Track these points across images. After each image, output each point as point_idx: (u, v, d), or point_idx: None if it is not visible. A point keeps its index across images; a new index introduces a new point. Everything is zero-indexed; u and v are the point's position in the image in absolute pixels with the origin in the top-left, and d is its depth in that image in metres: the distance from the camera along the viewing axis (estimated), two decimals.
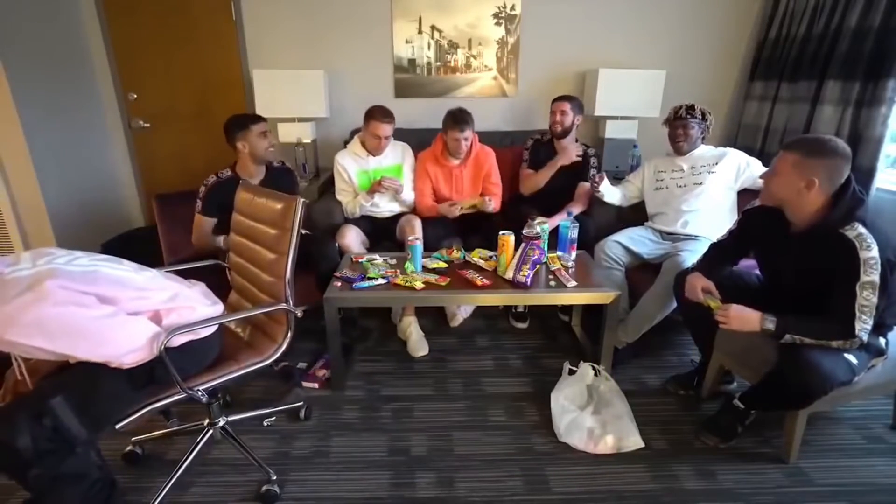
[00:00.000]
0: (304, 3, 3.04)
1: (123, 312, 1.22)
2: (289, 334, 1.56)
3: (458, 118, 2.45)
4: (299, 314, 1.55)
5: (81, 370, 1.22)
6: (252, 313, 1.54)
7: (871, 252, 1.37)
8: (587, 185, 2.52)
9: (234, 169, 2.20)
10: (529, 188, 2.65)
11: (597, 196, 2.46)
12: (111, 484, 1.31)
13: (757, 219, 1.66)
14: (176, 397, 1.34)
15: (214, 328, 1.43)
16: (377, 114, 2.40)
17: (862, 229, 1.40)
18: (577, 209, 2.49)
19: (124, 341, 1.20)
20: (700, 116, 2.18)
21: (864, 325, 1.40)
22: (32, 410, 1.11)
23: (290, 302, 1.53)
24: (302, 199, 1.50)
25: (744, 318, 1.54)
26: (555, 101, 2.59)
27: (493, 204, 2.51)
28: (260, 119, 2.16)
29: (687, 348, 2.29)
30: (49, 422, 1.11)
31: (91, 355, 1.17)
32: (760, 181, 1.57)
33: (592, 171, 2.55)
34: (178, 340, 1.31)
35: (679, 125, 2.21)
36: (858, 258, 1.38)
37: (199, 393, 1.37)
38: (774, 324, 1.49)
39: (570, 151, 2.56)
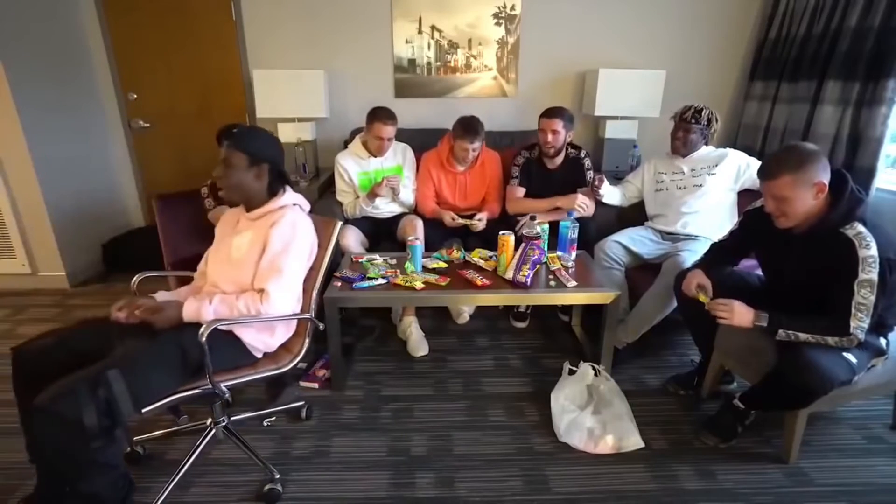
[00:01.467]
0: (304, 3, 3.04)
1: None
2: (305, 344, 1.61)
3: (468, 129, 2.41)
4: (321, 328, 1.64)
5: (147, 346, 1.30)
6: (279, 318, 1.50)
7: (870, 251, 1.37)
8: (586, 189, 2.50)
9: None
10: (515, 210, 2.55)
11: (598, 198, 2.45)
12: (130, 482, 1.34)
13: (758, 219, 1.66)
14: (198, 390, 1.37)
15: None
16: (381, 115, 2.40)
17: (861, 228, 1.40)
18: (579, 213, 2.44)
19: (282, 304, 1.46)
20: (705, 122, 2.17)
21: (859, 323, 1.40)
22: (90, 381, 1.14)
23: (313, 314, 1.62)
24: (339, 223, 1.68)
25: (740, 312, 1.55)
26: (543, 117, 2.41)
27: (482, 225, 2.47)
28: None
29: (687, 348, 2.29)
30: (103, 393, 1.14)
31: (268, 271, 1.46)
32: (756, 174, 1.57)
33: (590, 174, 2.52)
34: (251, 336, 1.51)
35: (681, 127, 2.21)
36: (857, 256, 1.38)
37: (222, 389, 1.41)
38: (767, 320, 1.51)
39: (572, 199, 2.40)
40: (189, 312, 1.40)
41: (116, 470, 1.26)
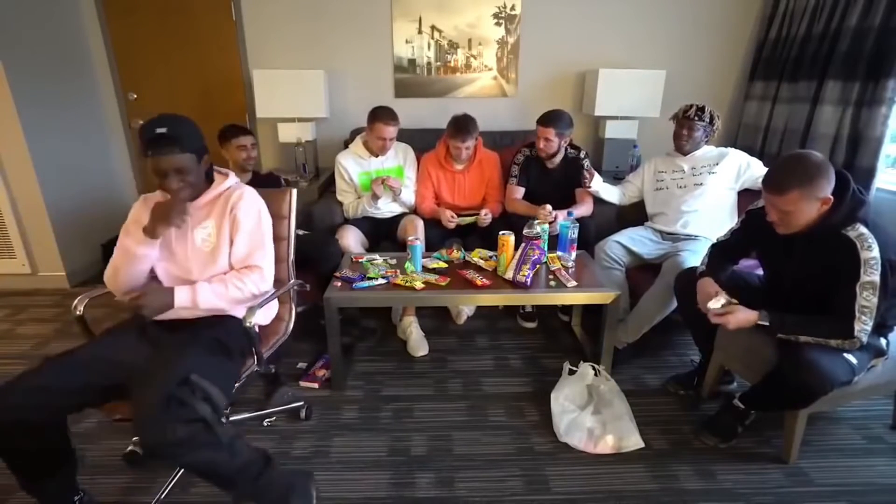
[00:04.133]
0: (304, 3, 3.04)
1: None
2: (293, 309, 1.74)
3: (459, 128, 2.42)
4: (308, 287, 1.75)
5: (190, 350, 1.31)
6: (278, 293, 1.63)
7: (872, 252, 1.37)
8: (582, 189, 2.49)
9: None
10: (511, 210, 2.58)
11: (591, 193, 2.45)
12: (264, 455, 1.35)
13: (760, 219, 1.64)
14: (248, 371, 1.49)
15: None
16: (382, 116, 2.40)
17: (863, 230, 1.40)
18: (580, 212, 2.42)
19: (271, 275, 1.54)
20: (708, 120, 2.18)
21: (863, 326, 1.39)
22: (181, 389, 1.15)
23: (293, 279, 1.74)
24: (294, 190, 1.73)
25: (743, 318, 1.53)
26: (538, 123, 2.42)
27: (490, 219, 2.47)
28: (243, 133, 2.33)
29: (687, 348, 2.29)
30: (200, 394, 1.17)
31: (253, 248, 1.49)
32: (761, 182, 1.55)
33: (586, 174, 2.49)
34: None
35: (685, 125, 2.21)
36: (859, 258, 1.38)
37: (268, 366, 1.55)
38: (768, 319, 1.49)
39: (547, 213, 2.31)
40: (182, 298, 1.37)
41: (241, 439, 1.28)
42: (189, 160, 1.38)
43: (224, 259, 1.48)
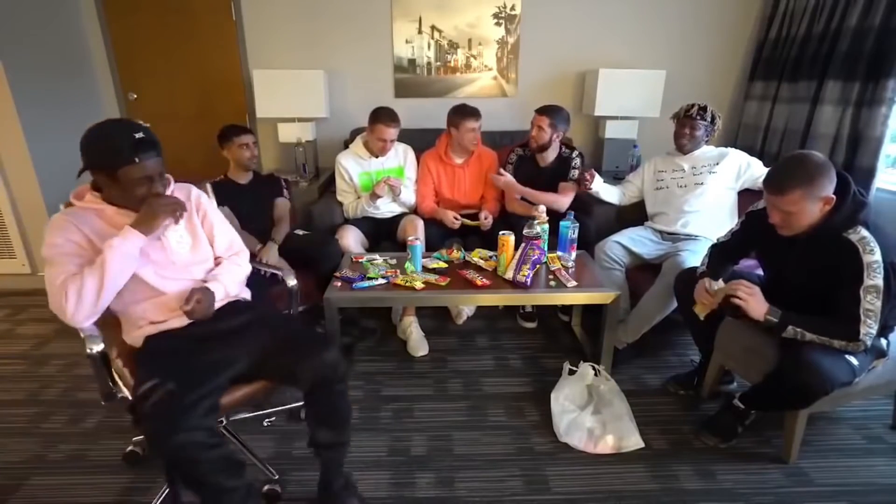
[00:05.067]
0: (304, 3, 3.04)
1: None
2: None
3: (469, 109, 2.49)
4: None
5: (285, 328, 1.49)
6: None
7: (875, 256, 1.36)
8: (569, 184, 2.48)
9: (226, 174, 2.37)
10: (511, 210, 2.59)
11: (591, 194, 2.45)
12: None
13: (760, 220, 1.64)
14: None
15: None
16: (383, 117, 2.40)
17: (865, 232, 1.39)
18: (552, 199, 2.41)
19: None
20: (709, 119, 2.18)
21: (868, 330, 1.39)
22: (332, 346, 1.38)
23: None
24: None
25: (756, 304, 1.51)
26: (536, 111, 2.45)
27: (490, 222, 2.48)
28: (244, 132, 2.32)
29: (687, 348, 2.29)
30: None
31: (232, 235, 1.61)
32: (762, 183, 1.55)
33: (573, 172, 2.47)
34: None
35: (687, 123, 2.21)
36: (861, 262, 1.37)
37: None
38: (779, 316, 1.48)
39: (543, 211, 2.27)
40: (219, 293, 1.46)
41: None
42: (163, 165, 1.36)
43: (209, 251, 1.53)
